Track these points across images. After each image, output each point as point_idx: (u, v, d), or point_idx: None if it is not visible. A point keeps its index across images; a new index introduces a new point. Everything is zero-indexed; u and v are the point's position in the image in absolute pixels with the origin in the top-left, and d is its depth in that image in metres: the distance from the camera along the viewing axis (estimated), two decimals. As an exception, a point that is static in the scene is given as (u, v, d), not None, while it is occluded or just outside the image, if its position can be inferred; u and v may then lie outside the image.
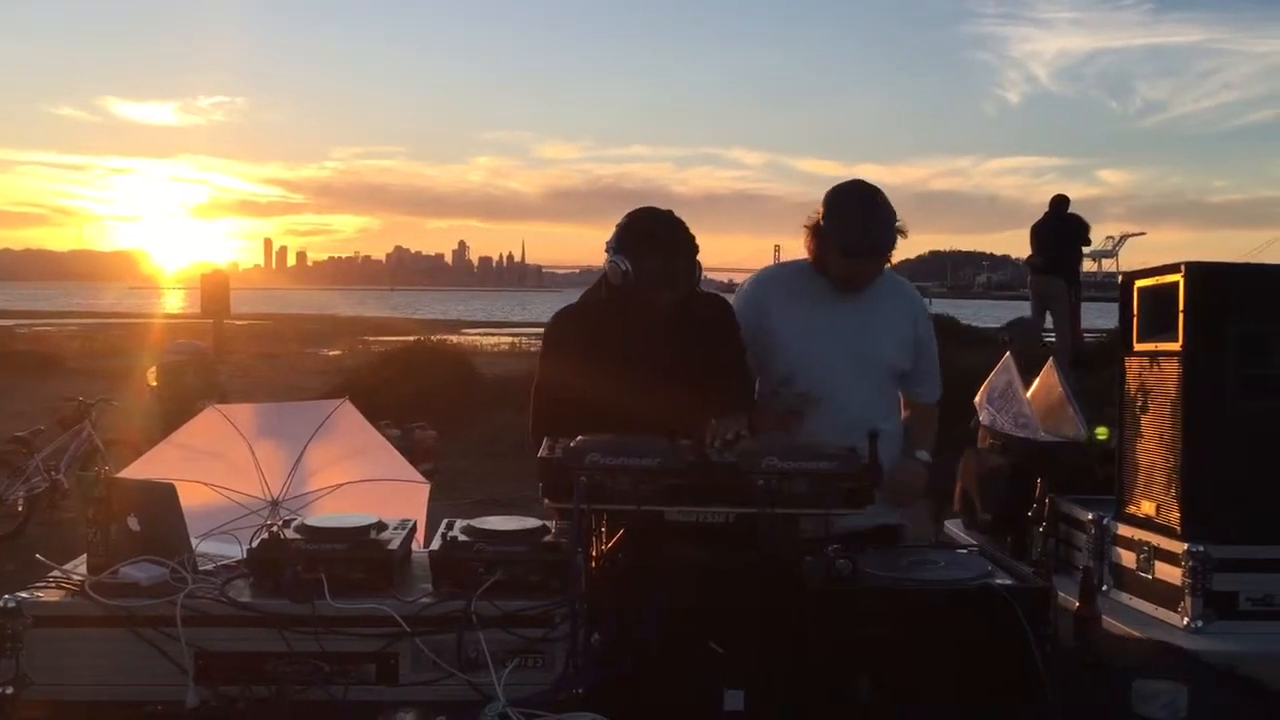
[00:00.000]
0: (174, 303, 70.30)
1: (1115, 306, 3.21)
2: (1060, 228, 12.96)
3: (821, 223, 3.12)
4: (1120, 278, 3.19)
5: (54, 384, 14.86)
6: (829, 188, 3.15)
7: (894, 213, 3.10)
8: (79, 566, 2.30)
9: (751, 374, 3.15)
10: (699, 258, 2.94)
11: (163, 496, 2.34)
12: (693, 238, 2.93)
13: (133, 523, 2.29)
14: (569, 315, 3.13)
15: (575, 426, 2.38)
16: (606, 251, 2.92)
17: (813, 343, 3.17)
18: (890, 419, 3.23)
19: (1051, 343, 12.58)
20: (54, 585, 2.22)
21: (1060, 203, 13.07)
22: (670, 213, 2.95)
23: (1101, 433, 3.45)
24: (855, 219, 3.07)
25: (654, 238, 2.89)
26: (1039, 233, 13.01)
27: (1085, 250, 14.04)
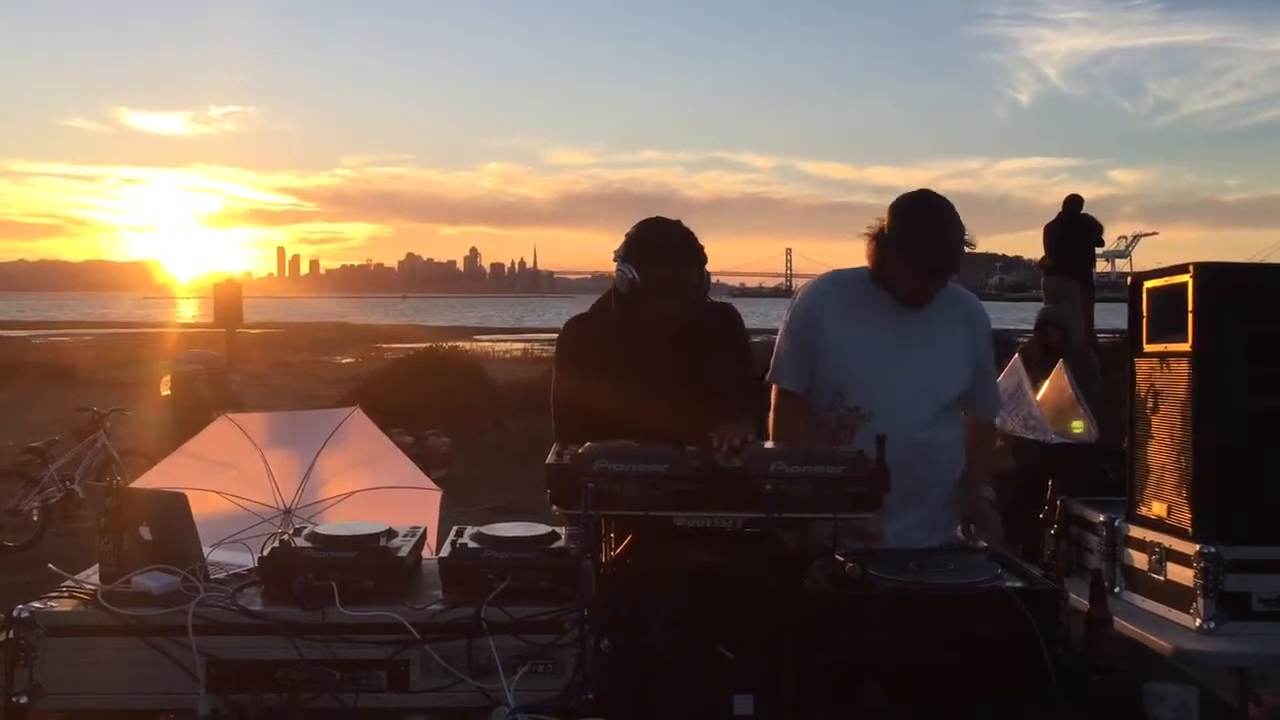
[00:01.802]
0: (188, 312, 70.58)
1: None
2: (1074, 228, 12.87)
3: (886, 232, 2.91)
4: (1130, 278, 3.16)
5: (69, 394, 14.91)
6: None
7: (963, 223, 2.90)
8: (91, 576, 2.32)
9: (758, 381, 3.14)
10: (707, 267, 2.94)
11: (174, 506, 2.36)
12: (700, 247, 2.92)
13: (145, 532, 2.30)
14: (580, 324, 3.13)
15: (596, 433, 2.38)
16: (615, 260, 2.92)
17: (865, 359, 3.00)
18: (945, 437, 3.03)
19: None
20: (67, 595, 2.24)
21: (1074, 203, 12.98)
22: (678, 223, 2.95)
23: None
24: (932, 235, 2.86)
25: (661, 247, 2.89)
26: (1052, 233, 12.92)
27: (1098, 251, 13.93)
